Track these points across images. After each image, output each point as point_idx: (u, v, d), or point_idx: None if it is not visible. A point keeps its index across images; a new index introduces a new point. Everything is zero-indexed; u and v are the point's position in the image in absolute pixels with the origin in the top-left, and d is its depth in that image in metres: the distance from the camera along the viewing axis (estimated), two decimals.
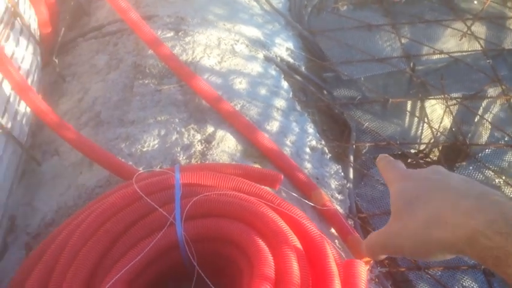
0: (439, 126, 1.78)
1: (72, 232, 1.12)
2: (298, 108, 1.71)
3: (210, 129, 1.52)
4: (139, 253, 1.01)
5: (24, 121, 1.62)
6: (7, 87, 1.54)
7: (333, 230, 1.34)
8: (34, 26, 1.83)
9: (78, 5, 2.17)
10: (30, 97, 1.46)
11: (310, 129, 1.65)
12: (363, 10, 2.23)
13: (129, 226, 1.07)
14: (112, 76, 1.79)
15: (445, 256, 0.53)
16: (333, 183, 1.50)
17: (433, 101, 1.80)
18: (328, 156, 1.58)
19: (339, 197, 1.47)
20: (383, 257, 0.61)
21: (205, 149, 1.48)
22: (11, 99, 1.55)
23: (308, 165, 1.51)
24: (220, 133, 1.51)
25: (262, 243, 0.94)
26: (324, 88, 1.85)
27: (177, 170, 1.15)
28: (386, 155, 0.69)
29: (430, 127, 1.66)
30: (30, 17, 1.81)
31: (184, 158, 1.45)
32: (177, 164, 1.37)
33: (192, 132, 1.52)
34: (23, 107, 1.62)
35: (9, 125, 1.49)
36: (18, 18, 1.68)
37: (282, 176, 1.25)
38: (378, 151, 1.60)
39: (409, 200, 0.54)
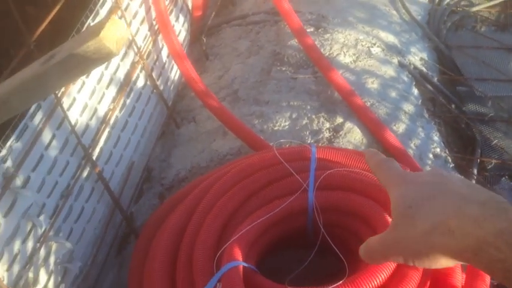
0: None
1: (209, 186, 1.24)
2: (426, 115, 1.73)
3: (339, 119, 1.60)
4: (269, 211, 1.11)
5: (171, 87, 1.80)
6: (164, 54, 1.73)
7: None
8: (189, 6, 2.02)
9: None
10: (184, 64, 1.63)
11: (436, 137, 1.67)
12: (504, 33, 2.19)
13: (263, 186, 1.17)
14: (252, 60, 1.93)
15: (449, 264, 0.51)
16: None
17: None
18: (451, 166, 1.59)
19: None
20: (382, 261, 0.59)
21: (332, 137, 1.56)
22: (166, 65, 1.74)
23: None
24: (348, 125, 1.58)
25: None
26: (453, 101, 1.85)
27: (313, 146, 1.23)
28: (376, 151, 0.64)
29: None
30: None
31: (311, 142, 1.53)
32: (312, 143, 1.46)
33: (321, 120, 1.61)
34: (172, 75, 1.80)
35: (161, 88, 1.68)
36: None
37: (408, 171, 1.29)
38: (504, 169, 1.58)
39: (410, 205, 0.52)
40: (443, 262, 0.50)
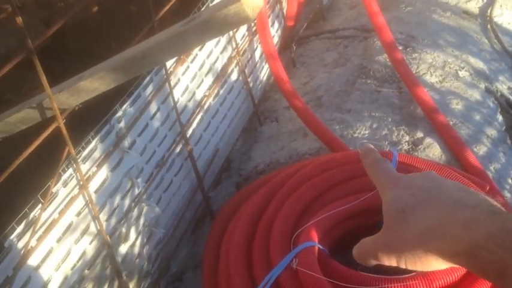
0: None
1: (291, 174, 1.31)
2: (509, 142, 1.72)
3: (419, 134, 1.63)
4: (348, 203, 1.16)
5: (260, 86, 1.90)
6: (258, 54, 1.83)
7: None
8: (284, 15, 2.12)
9: (319, 10, 2.45)
10: (276, 65, 1.72)
11: None
12: None
13: (344, 180, 1.22)
14: (338, 71, 1.99)
15: (441, 267, 0.51)
16: None
17: None
18: None
19: None
20: (374, 262, 0.58)
21: (411, 150, 1.58)
22: (257, 65, 1.85)
23: (508, 195, 1.52)
24: (428, 140, 1.61)
25: None
26: None
27: (395, 151, 1.28)
28: (372, 148, 0.63)
29: None
30: (284, 7, 2.11)
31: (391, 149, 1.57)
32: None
33: (401, 132, 1.64)
34: (262, 74, 1.90)
35: (251, 85, 1.78)
36: (278, 5, 1.99)
37: (488, 187, 1.30)
38: None
39: (403, 209, 0.52)
40: (436, 265, 0.50)
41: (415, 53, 1.97)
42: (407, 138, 1.62)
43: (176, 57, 1.30)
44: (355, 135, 1.65)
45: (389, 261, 0.54)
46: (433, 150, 1.59)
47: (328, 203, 1.18)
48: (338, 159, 1.26)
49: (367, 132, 1.66)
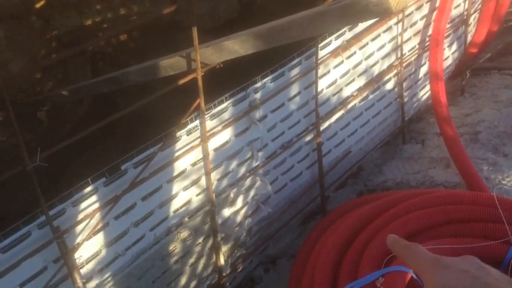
0: None
1: (409, 196, 1.23)
2: None
3: None
4: (463, 243, 1.05)
5: (415, 105, 1.81)
6: (423, 71, 1.74)
7: None
8: (467, 39, 1.97)
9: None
10: (438, 86, 1.62)
11: None
12: None
13: (464, 220, 1.11)
14: (508, 111, 1.80)
15: None
16: None
17: None
18: None
19: None
20: None
21: None
22: (419, 82, 1.75)
23: None
24: None
25: None
26: None
27: None
28: (395, 236, 0.59)
29: None
30: (470, 31, 1.96)
31: None
32: None
33: None
34: (421, 93, 1.80)
35: (405, 100, 1.70)
36: (463, 26, 1.86)
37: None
38: None
39: None
40: None
41: None
42: None
43: (332, 50, 1.30)
44: (504, 181, 1.49)
45: None
46: None
47: (439, 236, 1.09)
48: (467, 197, 1.15)
49: None
